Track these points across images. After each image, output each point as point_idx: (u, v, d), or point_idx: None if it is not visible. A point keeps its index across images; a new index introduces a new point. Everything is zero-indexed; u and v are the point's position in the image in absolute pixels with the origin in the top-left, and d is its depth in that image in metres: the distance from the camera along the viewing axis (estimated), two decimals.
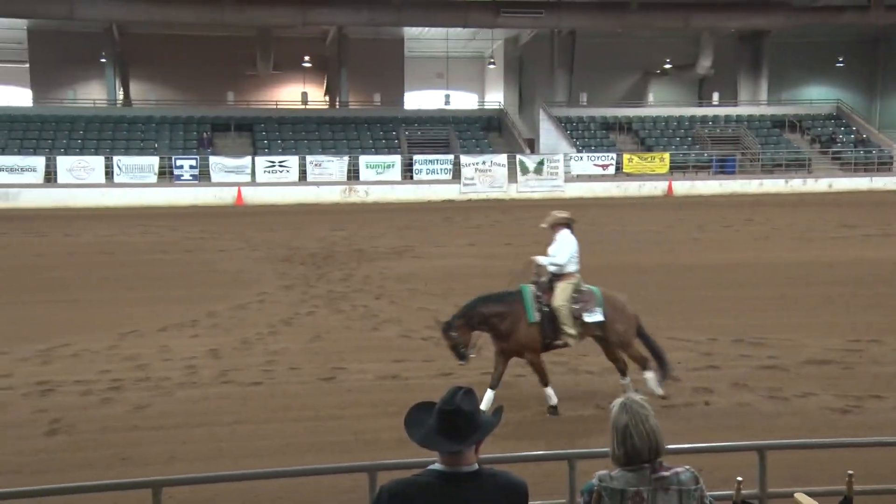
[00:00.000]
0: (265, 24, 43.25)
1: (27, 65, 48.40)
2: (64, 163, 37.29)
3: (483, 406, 9.25)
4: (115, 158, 38.03)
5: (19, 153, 38.41)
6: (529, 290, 9.64)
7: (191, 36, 47.19)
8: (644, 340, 9.87)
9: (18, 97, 48.59)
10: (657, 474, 3.67)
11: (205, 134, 43.00)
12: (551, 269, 9.68)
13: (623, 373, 9.85)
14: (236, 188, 38.02)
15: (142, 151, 40.09)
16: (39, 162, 37.18)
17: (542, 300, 9.58)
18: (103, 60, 46.27)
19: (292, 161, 39.57)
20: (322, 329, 13.87)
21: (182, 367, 11.60)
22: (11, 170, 36.65)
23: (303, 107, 49.57)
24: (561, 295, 9.55)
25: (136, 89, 49.86)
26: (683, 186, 41.90)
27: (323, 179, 39.43)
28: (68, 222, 29.58)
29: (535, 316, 9.49)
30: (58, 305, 15.82)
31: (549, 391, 9.61)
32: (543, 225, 9.96)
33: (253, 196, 37.92)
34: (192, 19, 40.93)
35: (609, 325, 9.68)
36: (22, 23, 45.72)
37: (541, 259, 9.77)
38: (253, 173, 38.87)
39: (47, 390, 10.51)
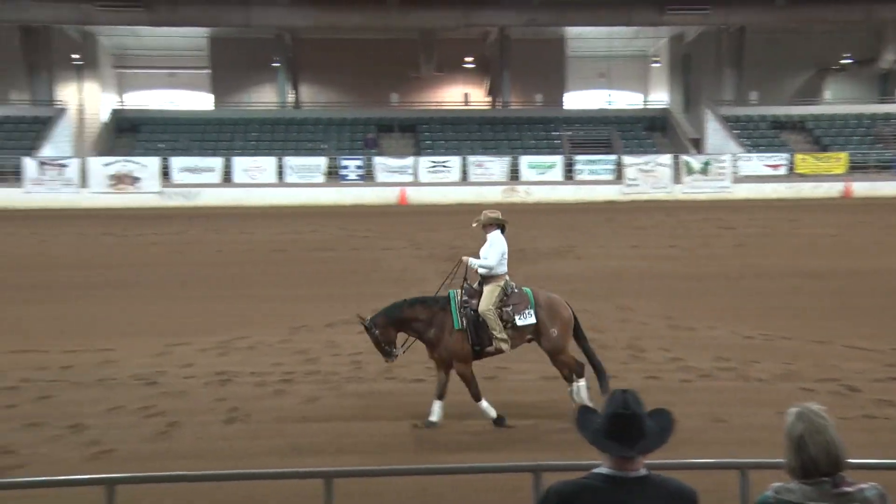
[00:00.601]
0: (428, 27, 44.01)
1: (208, 71, 51.19)
2: (239, 163, 39.20)
3: (434, 418, 9.19)
4: (286, 159, 39.64)
5: (200, 154, 40.64)
6: (456, 294, 9.31)
7: (357, 40, 48.61)
8: (582, 345, 9.44)
9: (201, 101, 51.51)
10: (839, 489, 3.50)
11: (370, 135, 44.18)
12: (481, 271, 9.35)
13: (568, 379, 9.32)
14: (400, 188, 38.85)
15: (310, 152, 41.60)
16: (218, 163, 39.23)
17: (470, 305, 9.21)
18: (276, 65, 48.33)
19: (454, 161, 40.07)
20: None
21: (349, 362, 11.96)
22: (193, 170, 38.84)
23: (465, 107, 50.13)
24: (487, 298, 9.19)
25: (305, 92, 51.81)
26: (863, 188, 39.72)
27: (484, 179, 39.75)
28: (243, 220, 31.06)
29: (461, 322, 9.15)
30: (235, 300, 16.65)
31: (484, 405, 9.18)
32: (474, 224, 9.61)
33: (416, 196, 38.64)
34: (358, 24, 42.20)
35: (542, 328, 9.26)
36: (204, 31, 48.40)
37: (471, 261, 9.42)
38: (416, 173, 39.62)
39: (225, 380, 11.08)
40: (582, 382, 9.27)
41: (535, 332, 9.28)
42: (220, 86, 50.55)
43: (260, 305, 16.01)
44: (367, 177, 39.63)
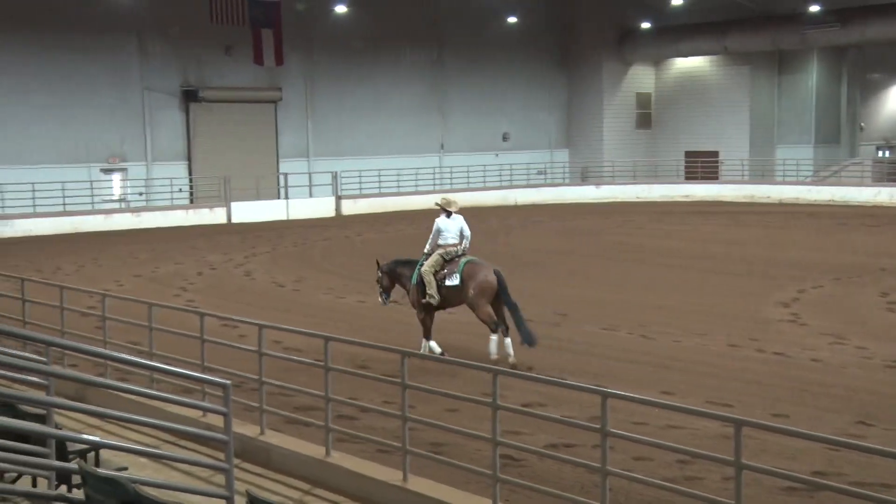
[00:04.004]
0: None
1: None
2: None
3: (423, 349, 12.32)
4: None
5: None
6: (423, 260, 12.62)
7: None
8: (508, 307, 12.00)
9: None
10: None
11: None
12: (426, 249, 12.60)
13: (492, 330, 12.06)
14: None
15: None
16: None
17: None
18: None
19: None
20: None
21: None
22: None
23: None
24: (428, 263, 12.41)
25: None
26: None
27: None
28: None
29: (415, 278, 12.55)
30: None
31: (432, 344, 12.47)
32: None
33: None
34: None
35: (464, 288, 12.13)
36: None
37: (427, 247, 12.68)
38: None
39: None
40: (493, 337, 12.04)
41: (459, 291, 12.16)
42: None
43: None
44: None
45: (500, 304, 12.12)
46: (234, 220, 33.76)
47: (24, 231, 30.05)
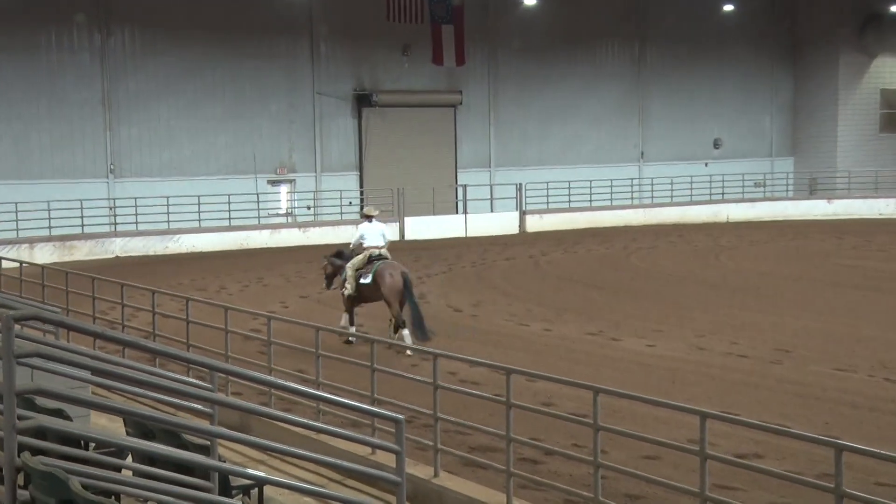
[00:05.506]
0: None
1: None
2: None
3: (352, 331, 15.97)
4: None
5: None
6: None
7: None
8: (410, 306, 15.55)
9: None
10: None
11: None
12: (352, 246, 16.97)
13: (395, 328, 15.70)
14: None
15: None
16: None
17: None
18: None
19: None
20: None
21: None
22: None
23: None
24: (353, 261, 16.28)
25: None
26: None
27: None
28: None
29: (344, 273, 16.49)
30: None
31: (343, 320, 16.51)
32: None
33: None
34: None
35: (375, 287, 15.77)
36: None
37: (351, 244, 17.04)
38: None
39: None
40: (405, 331, 15.45)
41: (375, 288, 15.80)
42: None
43: None
44: None
45: (404, 301, 15.70)
46: (408, 236, 34.51)
47: (188, 247, 31.84)
